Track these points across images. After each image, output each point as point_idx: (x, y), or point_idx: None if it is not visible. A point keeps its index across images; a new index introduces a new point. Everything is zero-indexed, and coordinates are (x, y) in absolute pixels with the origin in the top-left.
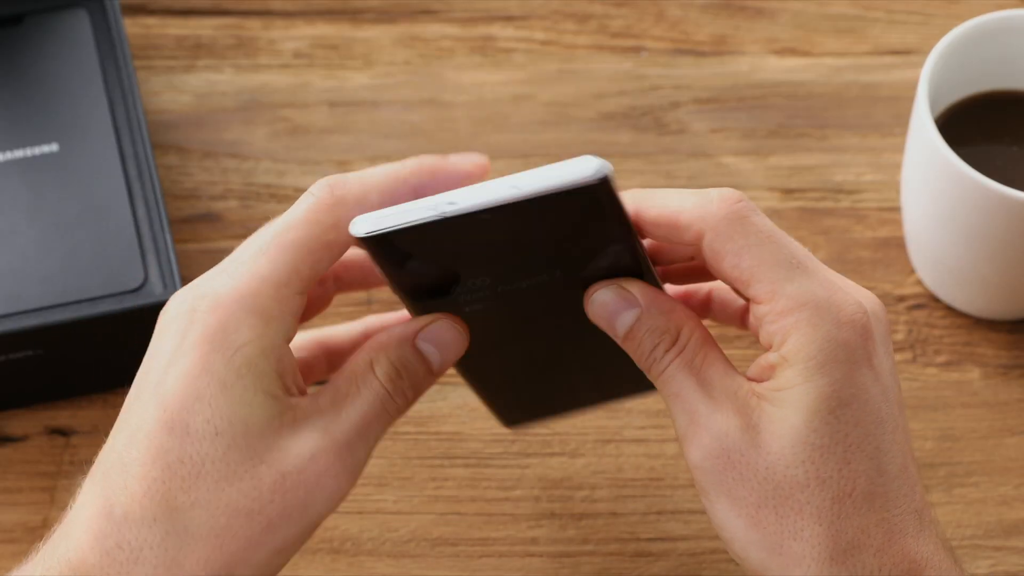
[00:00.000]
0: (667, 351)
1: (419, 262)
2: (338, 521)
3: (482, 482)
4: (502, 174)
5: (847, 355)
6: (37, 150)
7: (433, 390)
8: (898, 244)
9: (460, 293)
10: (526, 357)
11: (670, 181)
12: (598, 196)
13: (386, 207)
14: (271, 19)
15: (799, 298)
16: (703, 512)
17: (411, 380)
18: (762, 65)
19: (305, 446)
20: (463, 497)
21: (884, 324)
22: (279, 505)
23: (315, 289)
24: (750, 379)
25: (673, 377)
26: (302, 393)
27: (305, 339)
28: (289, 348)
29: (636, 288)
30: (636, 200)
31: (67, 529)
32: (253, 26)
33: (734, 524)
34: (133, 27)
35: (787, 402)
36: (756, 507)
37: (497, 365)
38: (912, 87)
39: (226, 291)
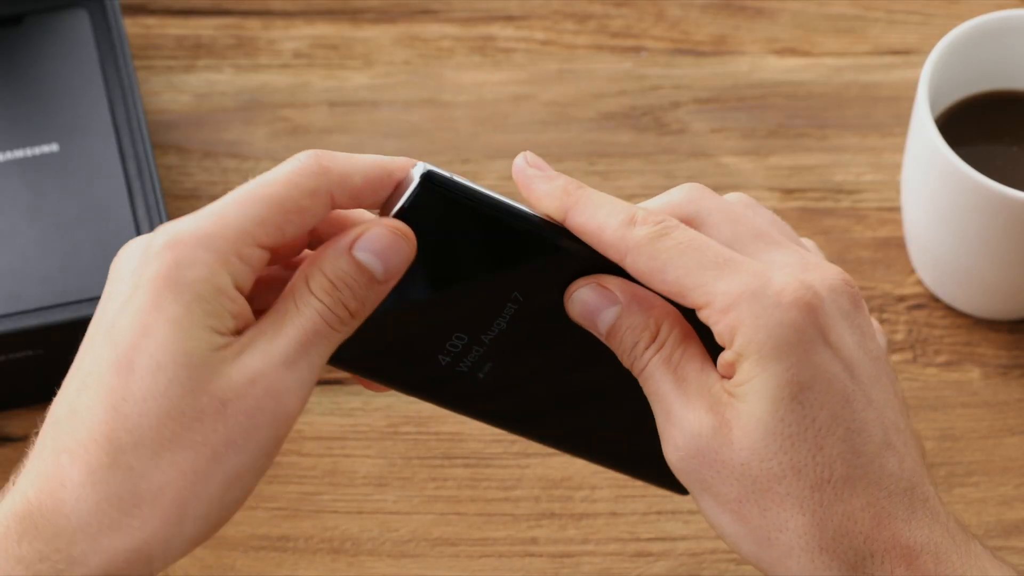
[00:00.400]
0: (647, 348)
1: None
2: (338, 521)
3: (482, 482)
4: (502, 175)
5: (797, 337)
6: (37, 150)
7: None
8: (898, 244)
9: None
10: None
11: (670, 181)
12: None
13: (366, 194)
14: (271, 19)
15: (732, 293)
16: None
17: (351, 291)
18: (762, 65)
19: (245, 371)
20: (463, 497)
21: (843, 296)
22: (222, 434)
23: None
24: (721, 376)
25: (652, 375)
26: None
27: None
28: (243, 297)
29: (614, 284)
30: (569, 197)
31: (18, 483)
32: (253, 26)
33: (721, 520)
34: (133, 27)
35: (750, 395)
36: (739, 503)
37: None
38: (912, 87)
39: (186, 229)
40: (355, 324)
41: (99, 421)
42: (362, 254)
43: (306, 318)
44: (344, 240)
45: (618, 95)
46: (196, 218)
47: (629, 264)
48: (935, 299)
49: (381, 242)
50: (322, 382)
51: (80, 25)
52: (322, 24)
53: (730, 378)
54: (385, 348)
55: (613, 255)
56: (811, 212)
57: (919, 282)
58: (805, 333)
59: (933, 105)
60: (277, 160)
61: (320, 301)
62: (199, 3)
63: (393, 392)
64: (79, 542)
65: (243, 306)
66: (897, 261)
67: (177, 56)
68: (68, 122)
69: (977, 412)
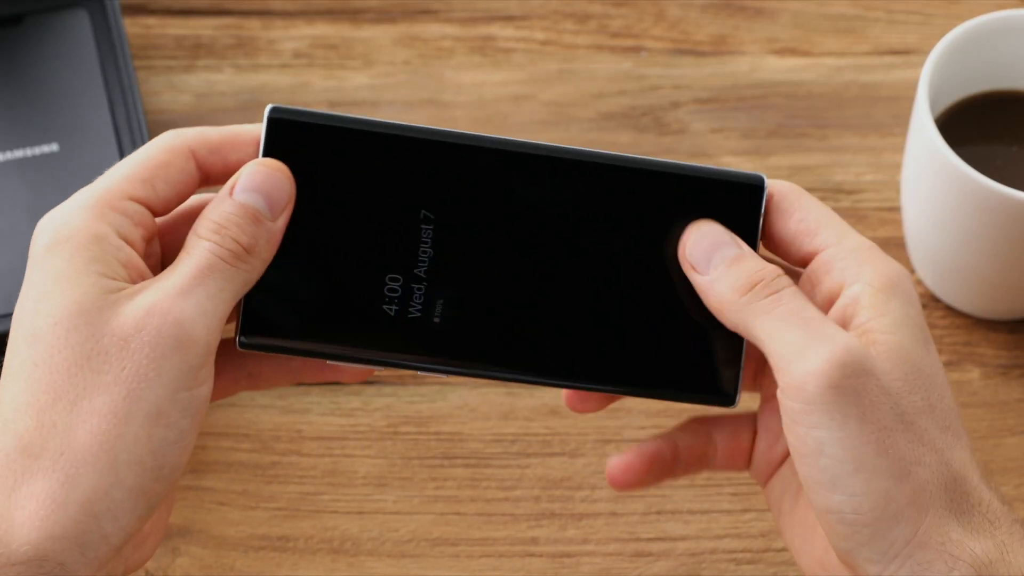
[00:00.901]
0: (777, 275)
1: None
2: (338, 521)
3: (482, 482)
4: None
5: (917, 297)
6: (37, 150)
7: (433, 390)
8: (898, 244)
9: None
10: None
11: None
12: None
13: (227, 147)
14: (271, 19)
15: (865, 242)
16: (703, 512)
17: (239, 228)
18: (762, 65)
19: (140, 304)
20: (463, 497)
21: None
22: (131, 370)
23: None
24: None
25: (788, 298)
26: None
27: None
28: (128, 246)
29: (736, 236)
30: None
31: None
32: (253, 26)
33: (861, 451)
34: (133, 27)
35: (895, 327)
36: (888, 431)
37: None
38: (912, 87)
39: (66, 205)
40: (254, 263)
41: (20, 391)
42: (242, 194)
43: (196, 256)
44: (226, 186)
45: (618, 95)
46: (73, 198)
47: (776, 202)
48: (935, 299)
49: (255, 178)
50: (322, 382)
51: (80, 25)
52: (322, 24)
53: (846, 327)
54: (327, 313)
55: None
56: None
57: (919, 282)
58: (917, 299)
59: (933, 105)
60: None
61: (208, 240)
62: (199, 3)
63: (393, 392)
64: (15, 509)
65: (131, 254)
66: (897, 261)
67: (177, 56)
68: (68, 122)
69: (977, 412)
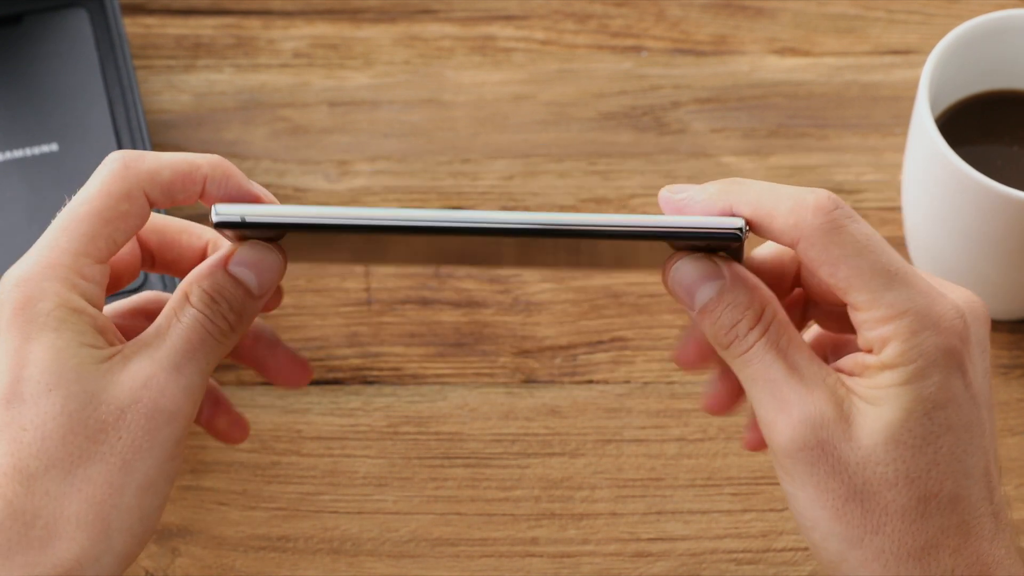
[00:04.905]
0: (751, 328)
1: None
2: (338, 521)
3: (482, 482)
4: (502, 175)
5: (945, 361)
6: (37, 150)
7: (433, 390)
8: (898, 244)
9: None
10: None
11: (670, 181)
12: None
13: (177, 188)
14: (271, 19)
15: (898, 307)
16: (703, 512)
17: (229, 304)
18: (762, 65)
19: (136, 376)
20: (463, 497)
21: (983, 324)
22: (127, 440)
23: (123, 260)
24: (839, 370)
25: (757, 358)
26: (123, 344)
27: (122, 306)
28: (100, 312)
29: (721, 260)
30: (730, 193)
31: None
32: (253, 26)
33: (817, 514)
34: (133, 27)
35: (884, 401)
36: (844, 500)
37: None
38: (912, 87)
39: (28, 267)
40: (235, 338)
41: (4, 454)
42: (236, 268)
43: (188, 327)
44: (219, 256)
45: (618, 95)
46: (33, 255)
47: (801, 251)
48: None
49: (252, 256)
50: (322, 382)
51: (80, 25)
52: (322, 24)
53: (855, 376)
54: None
55: (785, 241)
56: None
57: None
58: (952, 359)
59: (933, 105)
60: (277, 160)
61: (200, 312)
62: (199, 3)
63: (393, 392)
64: (10, 573)
65: (105, 320)
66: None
67: (177, 56)
68: (68, 122)
69: None
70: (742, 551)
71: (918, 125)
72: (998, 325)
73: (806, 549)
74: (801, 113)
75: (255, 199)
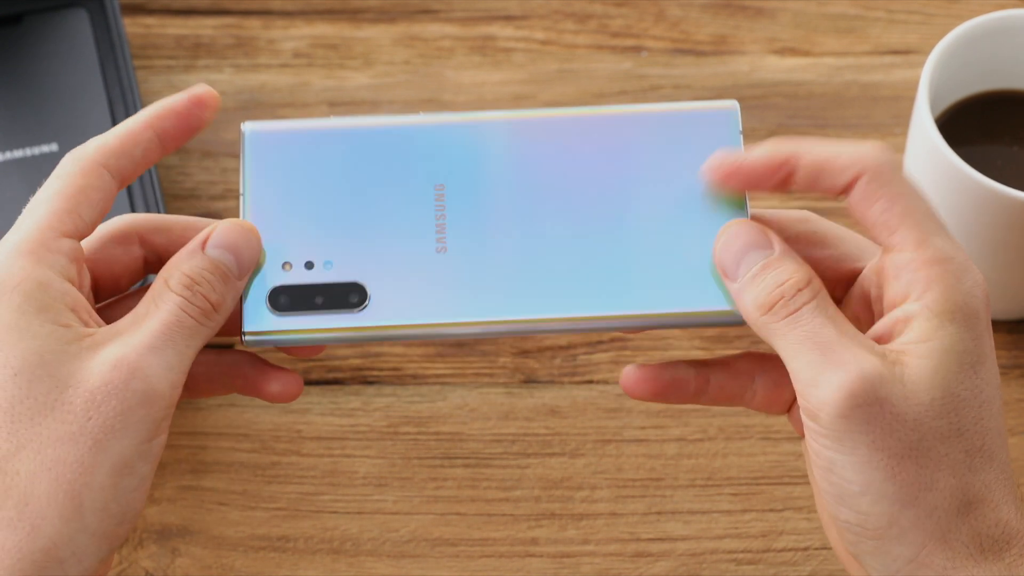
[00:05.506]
0: (800, 290)
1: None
2: (338, 521)
3: (482, 482)
4: None
5: (984, 315)
6: (37, 150)
7: (433, 390)
8: None
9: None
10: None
11: None
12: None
13: (128, 147)
14: (271, 19)
15: (946, 251)
16: (703, 512)
17: (209, 285)
18: (762, 65)
19: (107, 358)
20: (463, 497)
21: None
22: (97, 421)
23: (122, 262)
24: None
25: (807, 318)
26: (99, 326)
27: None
28: (73, 287)
29: (772, 232)
30: (789, 146)
31: None
32: (253, 26)
33: (869, 476)
34: (133, 27)
35: (934, 352)
36: (900, 458)
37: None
38: (912, 87)
39: (1, 252)
40: (218, 319)
41: None
42: (214, 251)
43: (166, 311)
44: (197, 240)
45: (618, 95)
46: (3, 239)
47: (862, 183)
48: None
49: (228, 236)
50: (322, 382)
51: (80, 25)
52: (322, 24)
53: (892, 339)
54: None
55: (844, 179)
56: (812, 212)
57: None
58: (985, 318)
59: (933, 105)
60: None
61: (179, 296)
62: (199, 3)
63: (393, 392)
64: None
65: (76, 296)
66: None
67: (177, 56)
68: (68, 122)
69: None
70: (742, 551)
71: (918, 125)
72: (998, 325)
73: (806, 549)
74: (801, 113)
75: (199, 104)
